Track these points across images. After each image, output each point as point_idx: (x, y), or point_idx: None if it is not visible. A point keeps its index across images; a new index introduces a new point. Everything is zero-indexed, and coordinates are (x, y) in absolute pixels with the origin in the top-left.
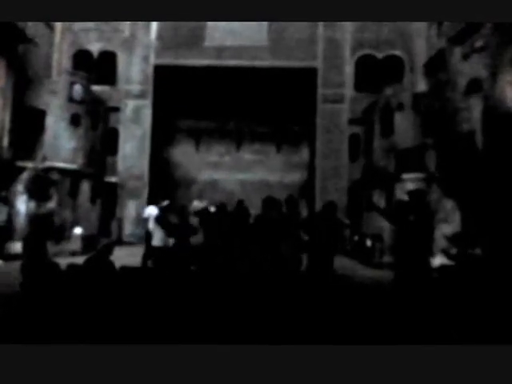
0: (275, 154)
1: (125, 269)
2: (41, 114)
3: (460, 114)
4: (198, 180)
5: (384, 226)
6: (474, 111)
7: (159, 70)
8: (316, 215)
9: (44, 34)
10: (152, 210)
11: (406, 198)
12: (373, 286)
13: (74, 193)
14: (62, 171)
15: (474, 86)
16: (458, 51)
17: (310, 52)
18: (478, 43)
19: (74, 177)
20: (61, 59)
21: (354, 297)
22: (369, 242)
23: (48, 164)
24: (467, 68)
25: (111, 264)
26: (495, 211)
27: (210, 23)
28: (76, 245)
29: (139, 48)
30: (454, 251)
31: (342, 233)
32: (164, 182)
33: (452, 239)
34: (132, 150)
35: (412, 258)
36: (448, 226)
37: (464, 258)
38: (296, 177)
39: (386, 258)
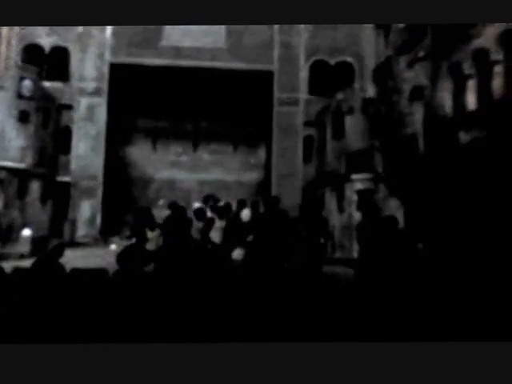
0: (232, 154)
1: (76, 271)
2: None
3: (404, 118)
4: (155, 179)
5: (335, 223)
6: (416, 116)
7: (115, 68)
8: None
9: None
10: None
11: (355, 197)
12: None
13: (22, 193)
14: (9, 170)
15: (417, 92)
16: (402, 60)
17: (267, 56)
18: (421, 53)
19: (23, 176)
20: (9, 53)
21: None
22: (321, 239)
23: None
24: (411, 76)
25: (61, 267)
26: (436, 209)
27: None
28: (24, 247)
29: (94, 45)
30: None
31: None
32: (120, 182)
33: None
34: (86, 149)
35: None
36: None
37: (407, 253)
38: (253, 177)
39: (338, 254)
